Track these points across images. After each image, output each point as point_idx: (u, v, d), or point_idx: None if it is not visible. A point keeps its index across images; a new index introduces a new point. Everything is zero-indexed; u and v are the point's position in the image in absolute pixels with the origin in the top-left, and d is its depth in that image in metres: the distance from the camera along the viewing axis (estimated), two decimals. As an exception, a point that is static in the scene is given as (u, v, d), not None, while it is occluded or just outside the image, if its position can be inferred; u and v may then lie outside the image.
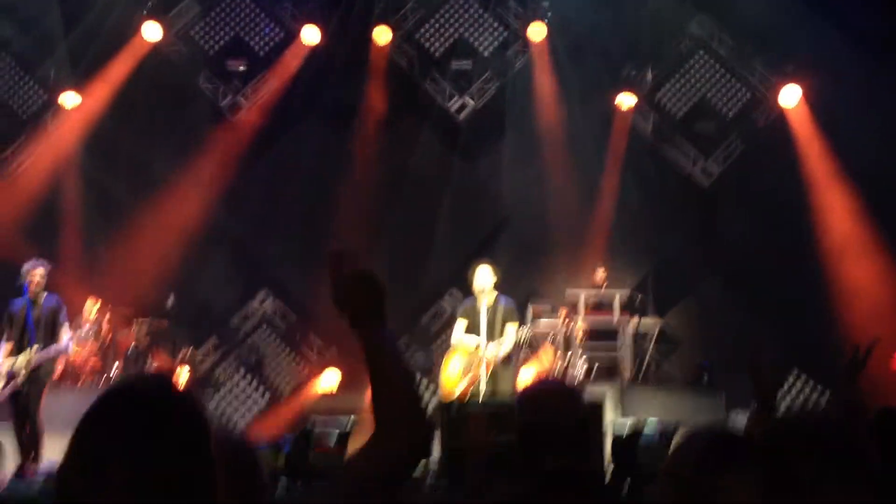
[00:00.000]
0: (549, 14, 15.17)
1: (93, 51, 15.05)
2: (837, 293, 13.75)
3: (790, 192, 14.53)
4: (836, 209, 14.33)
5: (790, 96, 14.88)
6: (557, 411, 3.09)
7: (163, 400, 1.95)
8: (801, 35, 14.31)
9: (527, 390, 3.44)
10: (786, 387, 14.20)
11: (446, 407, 7.56)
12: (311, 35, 15.39)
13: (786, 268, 14.29)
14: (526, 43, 15.65)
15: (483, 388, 8.79)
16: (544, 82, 15.43)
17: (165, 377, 2.08)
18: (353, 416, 7.79)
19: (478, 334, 8.97)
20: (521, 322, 9.71)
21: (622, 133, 15.40)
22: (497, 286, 9.14)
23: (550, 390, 3.30)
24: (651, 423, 8.01)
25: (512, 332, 8.96)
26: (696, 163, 15.44)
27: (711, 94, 15.69)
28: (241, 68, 16.00)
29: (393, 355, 2.35)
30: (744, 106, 15.60)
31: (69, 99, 15.06)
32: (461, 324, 9.21)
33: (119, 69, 15.11)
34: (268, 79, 15.77)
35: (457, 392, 8.96)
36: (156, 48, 15.43)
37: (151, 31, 15.13)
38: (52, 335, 8.94)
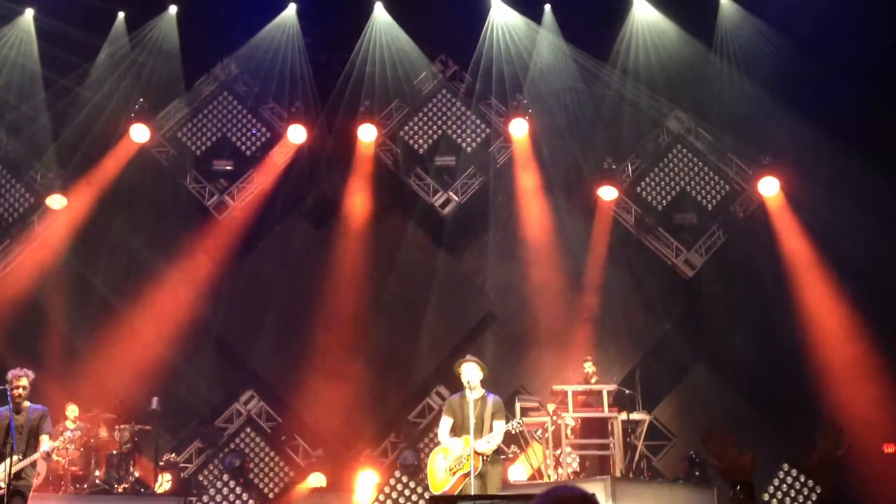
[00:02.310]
0: (530, 110, 15.50)
1: (81, 153, 15.25)
2: (823, 379, 13.73)
3: (773, 279, 14.68)
4: (819, 295, 14.44)
5: (768, 187, 15.16)
6: None
7: None
8: (775, 127, 14.68)
9: (551, 496, 3.21)
10: (776, 482, 14.04)
11: (437, 502, 7.40)
12: (296, 134, 15.66)
13: (771, 356, 14.33)
14: (508, 139, 15.96)
15: (472, 485, 8.66)
16: (526, 176, 15.69)
17: None
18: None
19: (465, 430, 8.88)
20: (509, 419, 9.62)
21: (605, 226, 15.61)
22: (484, 382, 9.10)
23: (573, 500, 3.12)
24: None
25: (500, 429, 8.88)
26: (679, 254, 15.60)
27: (691, 187, 15.96)
28: (228, 168, 16.23)
29: None
30: (723, 198, 15.88)
31: (56, 201, 15.15)
32: (447, 421, 9.11)
33: (107, 171, 15.32)
34: (254, 177, 15.97)
35: (445, 489, 8.83)
36: (143, 149, 15.64)
37: (139, 133, 15.34)
38: (34, 445, 8.79)
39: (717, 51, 15.21)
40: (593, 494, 3.10)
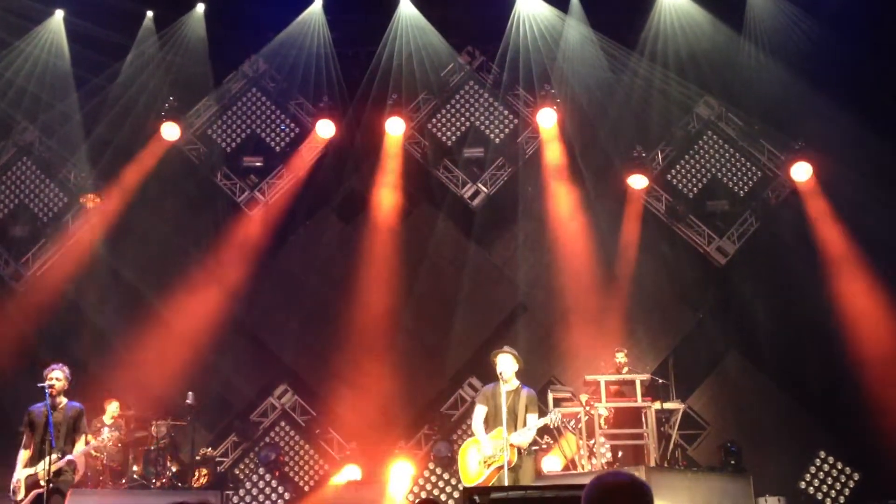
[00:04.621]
0: (558, 100, 15.42)
1: (113, 152, 15.41)
2: (858, 366, 13.55)
3: (806, 266, 14.49)
4: (853, 282, 14.25)
5: (801, 173, 14.97)
6: None
7: None
8: (807, 112, 14.45)
9: (597, 485, 3.22)
10: (813, 469, 13.93)
11: (470, 494, 7.38)
12: (325, 129, 15.70)
13: (806, 344, 14.18)
14: (536, 129, 15.89)
15: (506, 478, 8.65)
16: (555, 166, 15.60)
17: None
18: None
19: (498, 421, 8.87)
20: (542, 412, 9.59)
21: (636, 214, 15.50)
22: (519, 374, 9.07)
23: (621, 486, 3.08)
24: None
25: (533, 423, 8.86)
26: (711, 241, 15.45)
27: (722, 174, 15.79)
28: (258, 164, 16.32)
29: None
30: (755, 184, 15.68)
31: (89, 200, 15.34)
32: (482, 409, 9.09)
33: (139, 169, 15.44)
34: (283, 173, 16.05)
35: (479, 482, 8.81)
36: (174, 147, 15.77)
37: (170, 131, 15.47)
38: (71, 441, 8.91)
39: (747, 35, 15.02)
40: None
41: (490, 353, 9.24)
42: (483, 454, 8.84)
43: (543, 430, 11.80)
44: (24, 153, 16.01)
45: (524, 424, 8.77)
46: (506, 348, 9.14)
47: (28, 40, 15.25)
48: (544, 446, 13.09)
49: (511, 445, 8.60)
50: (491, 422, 8.92)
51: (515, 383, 8.97)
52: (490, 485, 8.66)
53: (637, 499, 3.03)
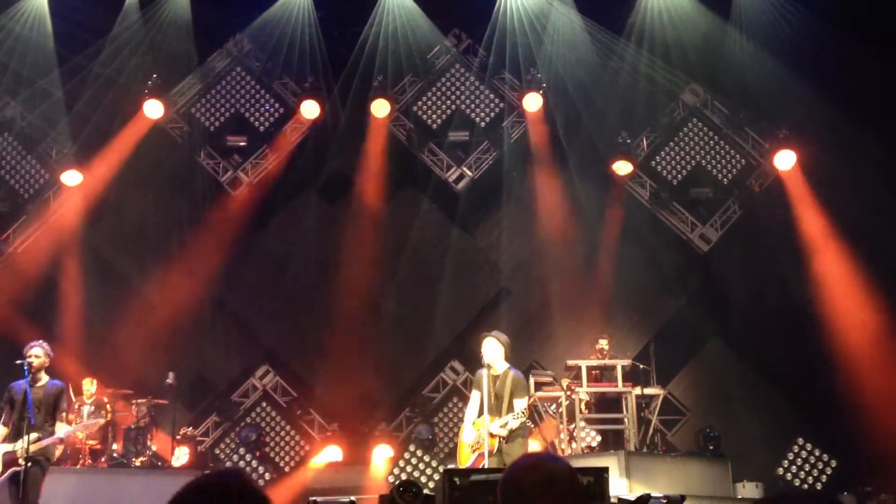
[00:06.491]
0: (544, 84, 15.38)
1: (96, 130, 15.24)
2: (839, 353, 13.66)
3: (789, 254, 14.58)
4: (835, 270, 14.34)
5: (784, 161, 15.03)
6: (538, 492, 2.92)
7: (238, 496, 2.13)
8: (792, 100, 14.51)
9: (511, 469, 3.07)
10: (791, 455, 14.07)
11: (450, 475, 7.38)
12: (310, 110, 15.59)
13: (786, 331, 14.27)
14: (522, 113, 15.86)
15: (487, 464, 8.64)
16: (540, 151, 15.59)
17: (238, 473, 2.20)
18: (353, 498, 7.67)
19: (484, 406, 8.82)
20: (530, 395, 9.54)
21: (619, 200, 15.52)
22: (507, 357, 9.00)
23: (530, 467, 3.00)
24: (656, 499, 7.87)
25: (520, 407, 8.82)
26: (694, 228, 15.51)
27: (706, 161, 15.83)
28: (242, 144, 16.21)
29: None
30: (739, 172, 15.74)
31: (71, 177, 15.19)
32: (475, 396, 9.00)
33: (122, 147, 15.28)
34: (267, 153, 15.96)
35: (466, 465, 8.81)
36: (157, 125, 15.62)
37: (153, 109, 15.32)
38: (51, 420, 8.86)
39: (734, 22, 15.03)
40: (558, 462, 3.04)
41: (474, 336, 9.20)
42: (469, 440, 8.86)
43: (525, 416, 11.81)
44: (5, 129, 15.82)
45: (511, 409, 8.70)
46: (494, 332, 9.03)
47: (10, 16, 15.04)
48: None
49: (491, 435, 8.57)
50: (482, 406, 8.87)
51: (503, 367, 8.83)
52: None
53: (551, 478, 2.99)
